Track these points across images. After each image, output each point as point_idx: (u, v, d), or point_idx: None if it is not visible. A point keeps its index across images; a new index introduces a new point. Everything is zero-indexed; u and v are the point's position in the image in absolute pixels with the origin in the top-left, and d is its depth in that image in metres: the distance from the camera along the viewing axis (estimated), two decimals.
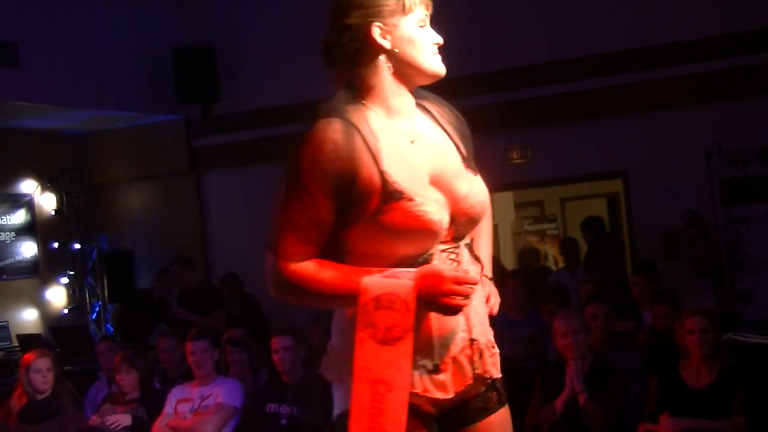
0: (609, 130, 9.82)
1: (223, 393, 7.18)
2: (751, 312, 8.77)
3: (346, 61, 3.00)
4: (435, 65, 2.97)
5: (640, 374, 6.52)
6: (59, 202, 12.14)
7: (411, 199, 2.79)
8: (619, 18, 9.70)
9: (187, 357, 7.37)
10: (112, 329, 11.71)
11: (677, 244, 9.42)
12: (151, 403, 7.38)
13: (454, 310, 2.76)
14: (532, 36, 10.11)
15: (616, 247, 10.56)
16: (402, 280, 2.76)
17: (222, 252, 11.83)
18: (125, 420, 7.25)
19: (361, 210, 2.79)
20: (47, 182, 12.06)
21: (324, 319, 7.59)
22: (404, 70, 2.96)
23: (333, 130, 2.85)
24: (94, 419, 7.38)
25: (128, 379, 7.48)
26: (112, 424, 7.25)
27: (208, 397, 7.19)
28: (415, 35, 2.93)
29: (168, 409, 7.24)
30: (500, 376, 3.02)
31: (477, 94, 10.11)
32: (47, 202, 12.12)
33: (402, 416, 2.71)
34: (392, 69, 2.95)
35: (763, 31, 9.14)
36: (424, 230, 2.80)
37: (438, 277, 2.75)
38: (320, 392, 6.94)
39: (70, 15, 10.54)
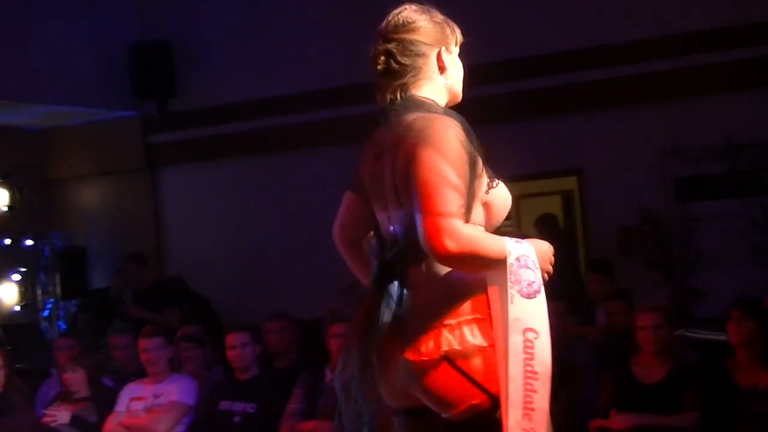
0: (564, 128, 9.83)
1: (176, 391, 7.17)
2: (703, 309, 8.84)
3: (408, 75, 3.22)
4: (461, 92, 3.43)
5: (594, 371, 6.56)
6: (12, 198, 11.99)
7: (500, 182, 3.24)
8: (573, 16, 9.72)
9: (140, 354, 7.35)
10: (64, 327, 11.63)
11: (632, 242, 9.46)
12: (102, 402, 7.35)
13: (545, 280, 3.18)
14: (487, 34, 10.10)
15: (570, 245, 10.59)
16: (525, 243, 3.13)
17: (178, 249, 11.77)
18: (63, 417, 7.20)
19: (477, 187, 3.12)
20: (0, 178, 11.95)
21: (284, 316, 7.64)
22: (449, 90, 3.37)
23: (455, 116, 3.18)
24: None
25: (74, 378, 7.43)
26: (50, 418, 7.20)
27: (161, 395, 7.18)
28: (459, 64, 3.41)
29: (120, 407, 7.23)
30: None
31: None
32: (0, 198, 12.01)
33: (548, 358, 3.04)
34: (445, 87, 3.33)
35: (718, 30, 9.21)
36: (508, 208, 3.28)
37: (545, 250, 3.22)
38: (276, 389, 6.95)
39: (25, 9, 10.45)
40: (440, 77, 3.31)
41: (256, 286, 10.96)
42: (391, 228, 3.17)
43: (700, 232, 9.24)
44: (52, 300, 11.84)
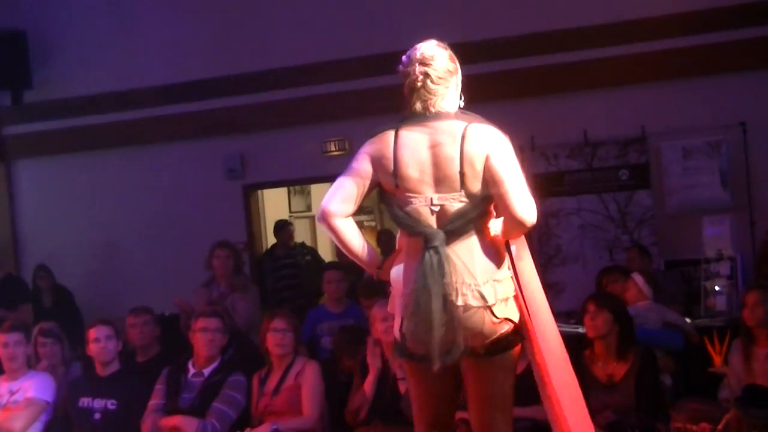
0: None
1: (33, 387, 7.03)
2: (561, 302, 9.01)
3: (441, 93, 4.02)
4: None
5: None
6: None
7: None
8: (418, 17, 9.76)
9: None
10: None
11: None
12: None
13: None
14: (352, 31, 10.19)
15: None
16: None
17: (33, 243, 11.54)
18: None
19: None
20: None
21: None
22: None
23: None
24: None
25: None
26: None
27: (17, 391, 7.03)
28: None
29: None
30: None
31: (295, 86, 10.19)
32: None
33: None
34: None
35: (568, 31, 9.44)
36: None
37: None
38: (138, 384, 6.88)
39: None
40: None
41: (114, 280, 10.84)
42: (442, 204, 3.94)
43: (557, 228, 9.48)
44: None
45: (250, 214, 10.97)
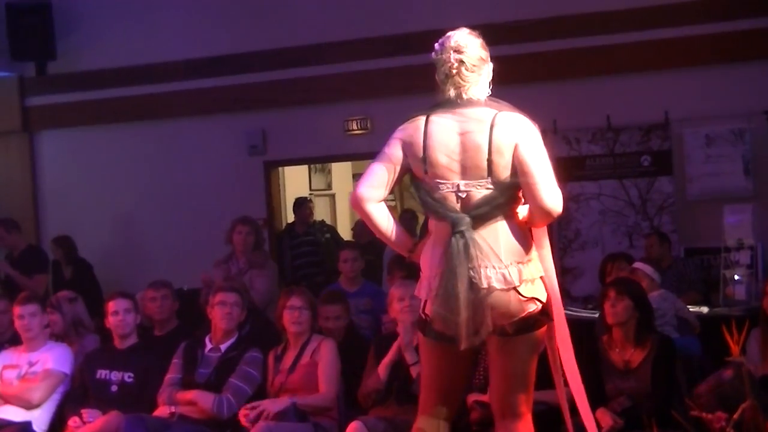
0: None
1: (51, 359, 7.06)
2: (579, 287, 9.03)
3: (474, 81, 4.11)
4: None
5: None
6: None
7: None
8: None
9: (15, 321, 7.22)
10: None
11: None
12: None
13: None
14: (375, 9, 10.16)
15: None
16: None
17: (54, 213, 11.58)
18: None
19: None
20: None
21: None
22: None
23: None
24: None
25: None
26: None
27: (36, 363, 7.07)
28: None
29: None
30: None
31: (317, 64, 10.18)
32: None
33: None
34: None
35: (592, 15, 9.39)
36: None
37: None
38: (155, 358, 6.91)
39: None
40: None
41: (133, 253, 10.88)
42: (468, 191, 4.03)
43: (577, 212, 9.44)
44: None
45: (271, 190, 10.98)
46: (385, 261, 9.56)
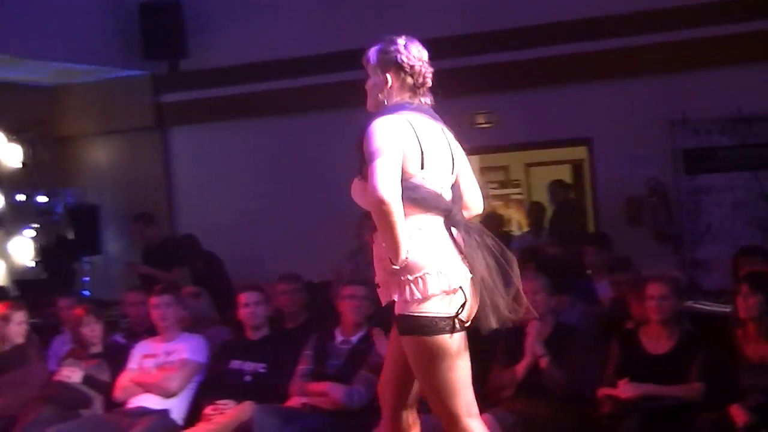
0: (575, 98, 9.86)
1: (188, 349, 7.20)
2: (709, 280, 8.87)
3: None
4: None
5: (599, 339, 6.61)
6: (25, 154, 12.04)
7: None
8: None
9: (150, 312, 7.39)
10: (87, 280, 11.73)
11: (640, 212, 9.51)
12: (114, 358, 7.38)
13: None
14: (500, 1, 10.14)
15: (578, 213, 10.65)
16: None
17: (187, 207, 11.82)
18: (75, 376, 7.23)
19: None
20: (12, 134, 11.96)
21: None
22: None
23: None
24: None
25: (95, 332, 7.49)
26: (62, 377, 7.25)
27: (173, 352, 7.20)
28: None
29: (132, 363, 7.25)
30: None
31: (445, 58, 10.15)
32: (12, 154, 12.01)
33: None
34: None
35: (729, 2, 9.22)
36: None
37: None
38: (287, 350, 7.00)
39: None
40: None
41: (261, 247, 11.00)
42: (450, 188, 4.17)
43: (708, 204, 9.28)
44: (65, 256, 11.87)
45: None
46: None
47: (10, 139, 11.94)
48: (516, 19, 9.94)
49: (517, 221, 14.02)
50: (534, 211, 10.88)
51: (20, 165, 11.99)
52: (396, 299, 4.00)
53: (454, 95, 10.26)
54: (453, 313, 3.97)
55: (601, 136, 9.86)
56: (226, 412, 6.66)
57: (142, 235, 10.57)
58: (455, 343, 4.00)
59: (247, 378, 6.92)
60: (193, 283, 8.94)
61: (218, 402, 6.77)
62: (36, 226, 11.89)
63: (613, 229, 8.85)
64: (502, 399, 6.27)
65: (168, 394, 7.03)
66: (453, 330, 3.98)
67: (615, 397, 5.97)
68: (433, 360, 3.98)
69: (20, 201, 11.84)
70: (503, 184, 15.40)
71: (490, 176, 15.16)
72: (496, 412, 5.96)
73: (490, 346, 6.56)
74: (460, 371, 4.06)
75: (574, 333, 6.43)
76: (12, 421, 7.03)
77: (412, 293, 3.95)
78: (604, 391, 6.08)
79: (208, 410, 6.75)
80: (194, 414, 6.97)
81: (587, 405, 6.24)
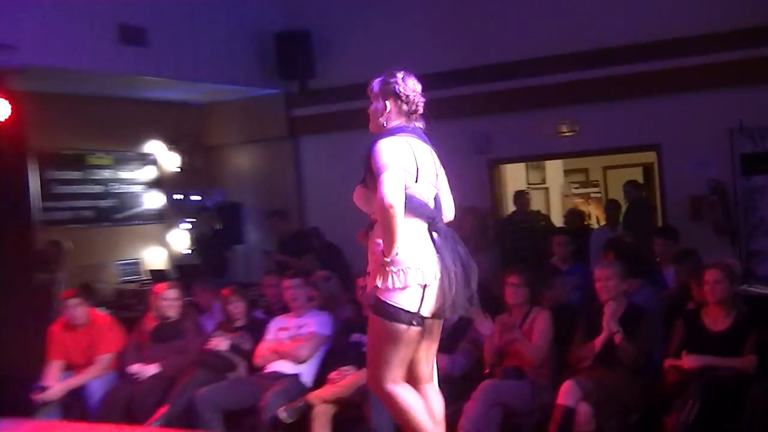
0: (646, 109, 9.78)
1: (316, 323, 7.32)
2: (764, 268, 8.75)
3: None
4: None
5: (666, 318, 6.58)
6: (181, 161, 12.34)
7: None
8: (652, 10, 9.65)
9: (283, 292, 7.54)
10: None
11: (702, 209, 9.41)
12: (255, 331, 7.54)
13: None
14: (580, 26, 10.09)
15: (648, 210, 10.55)
16: None
17: (314, 205, 11.99)
18: (223, 345, 7.41)
19: None
20: (171, 144, 12.27)
21: None
22: None
23: None
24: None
25: (239, 309, 7.68)
26: (212, 345, 7.43)
27: (303, 326, 7.33)
28: None
29: (270, 335, 7.41)
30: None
31: (532, 76, 10.17)
32: (171, 161, 12.32)
33: None
34: None
35: None
36: None
37: None
38: None
39: (191, 3, 10.68)
40: None
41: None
42: (434, 199, 4.32)
43: (762, 202, 9.14)
44: (214, 245, 12.12)
45: (494, 184, 11.06)
46: (591, 246, 9.54)
47: (169, 149, 12.27)
48: (594, 43, 9.87)
49: (596, 216, 13.93)
50: (610, 207, 10.77)
51: (177, 170, 12.32)
52: (379, 285, 4.15)
53: (542, 108, 10.34)
54: (415, 310, 4.13)
55: (668, 143, 9.77)
56: (348, 376, 6.75)
57: (277, 228, 10.78)
58: (410, 335, 4.17)
59: (365, 349, 6.99)
60: (322, 269, 9.08)
61: (341, 368, 6.88)
62: (191, 220, 12.19)
63: (678, 224, 8.75)
64: (582, 368, 6.27)
65: (299, 361, 7.16)
66: (411, 324, 4.13)
67: (679, 367, 5.94)
68: (386, 340, 4.17)
69: (178, 199, 12.15)
70: (584, 185, 15.33)
71: (572, 177, 15.11)
72: (577, 379, 5.97)
73: (572, 323, 6.60)
74: (402, 354, 4.22)
75: (644, 313, 6.40)
76: (172, 381, 7.23)
77: (393, 282, 4.11)
78: (669, 362, 6.05)
79: (332, 375, 6.85)
80: (321, 378, 7.07)
81: (655, 375, 6.22)
